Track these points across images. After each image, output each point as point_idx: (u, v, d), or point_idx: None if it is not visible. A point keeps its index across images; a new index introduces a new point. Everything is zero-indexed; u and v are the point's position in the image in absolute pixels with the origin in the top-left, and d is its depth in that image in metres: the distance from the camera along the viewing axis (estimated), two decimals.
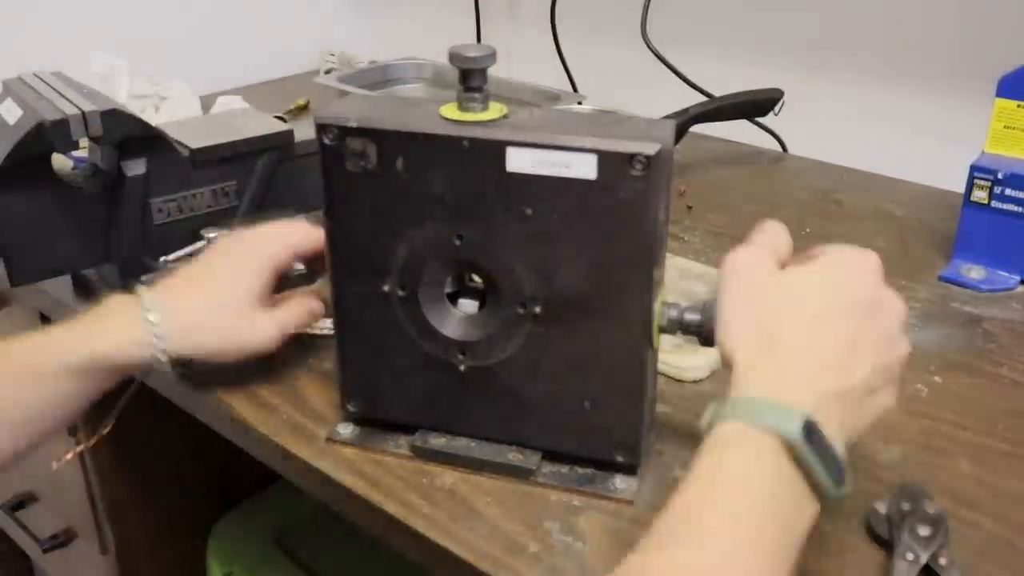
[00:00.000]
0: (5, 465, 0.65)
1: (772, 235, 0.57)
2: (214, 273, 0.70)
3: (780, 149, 1.24)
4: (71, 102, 0.79)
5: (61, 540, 1.18)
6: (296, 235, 0.72)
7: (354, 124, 0.59)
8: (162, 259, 0.83)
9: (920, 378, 0.74)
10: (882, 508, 0.58)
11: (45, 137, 0.76)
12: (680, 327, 0.59)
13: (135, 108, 1.09)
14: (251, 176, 0.87)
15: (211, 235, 0.83)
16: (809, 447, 0.46)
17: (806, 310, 0.52)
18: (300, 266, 0.87)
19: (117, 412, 0.76)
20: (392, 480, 0.63)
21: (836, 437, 0.48)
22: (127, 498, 1.08)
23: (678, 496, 0.47)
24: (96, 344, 0.65)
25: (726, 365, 0.53)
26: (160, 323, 0.66)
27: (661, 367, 0.72)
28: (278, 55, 1.59)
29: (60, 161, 0.83)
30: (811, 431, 0.46)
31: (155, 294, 0.68)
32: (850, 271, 0.54)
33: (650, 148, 0.53)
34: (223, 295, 0.69)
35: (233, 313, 0.68)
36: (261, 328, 0.70)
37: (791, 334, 0.51)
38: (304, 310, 0.73)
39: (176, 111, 1.20)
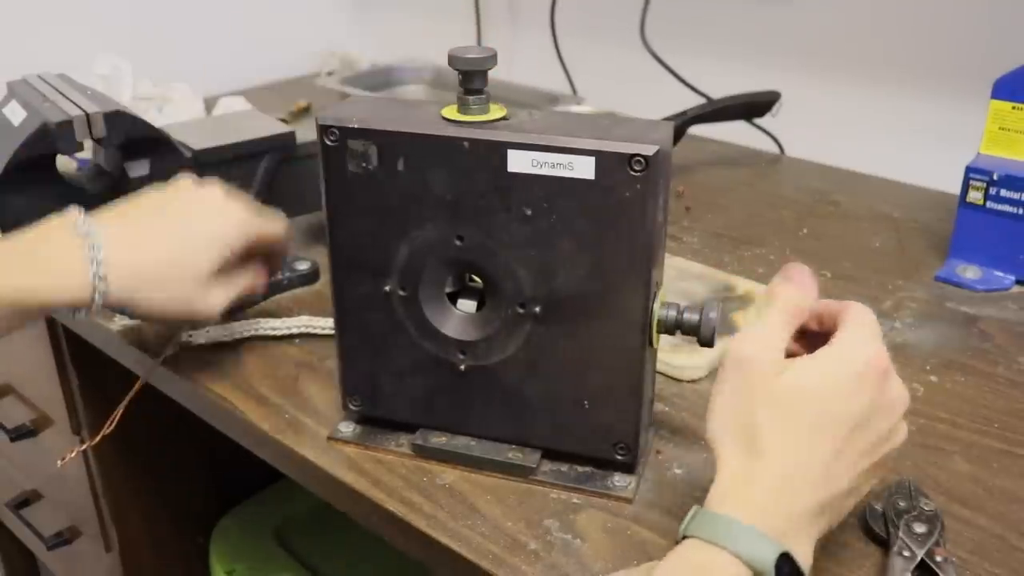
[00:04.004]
0: None
1: (795, 292, 0.55)
2: (178, 232, 0.67)
3: (778, 151, 1.24)
4: (75, 104, 0.80)
5: (65, 538, 1.19)
6: (267, 227, 0.72)
7: (355, 125, 0.59)
8: None
9: (916, 377, 0.74)
10: (878, 506, 0.59)
11: (49, 138, 0.77)
12: (678, 327, 0.59)
13: (138, 110, 1.09)
14: (254, 177, 0.88)
15: None
16: None
17: (797, 423, 0.51)
18: (303, 266, 0.88)
19: (120, 411, 0.76)
20: (393, 478, 0.64)
21: (807, 556, 0.49)
22: (131, 496, 1.09)
23: None
24: (27, 279, 0.61)
25: (710, 448, 0.53)
26: (107, 265, 0.62)
27: (660, 366, 0.72)
28: (280, 57, 1.59)
29: (64, 162, 0.83)
30: (783, 564, 0.47)
31: (104, 228, 0.63)
32: (851, 378, 0.51)
33: (648, 149, 0.54)
34: (186, 260, 0.66)
35: (192, 280, 0.66)
36: (212, 300, 0.68)
37: (778, 447, 0.50)
38: (250, 284, 0.72)
39: (179, 113, 1.21)
